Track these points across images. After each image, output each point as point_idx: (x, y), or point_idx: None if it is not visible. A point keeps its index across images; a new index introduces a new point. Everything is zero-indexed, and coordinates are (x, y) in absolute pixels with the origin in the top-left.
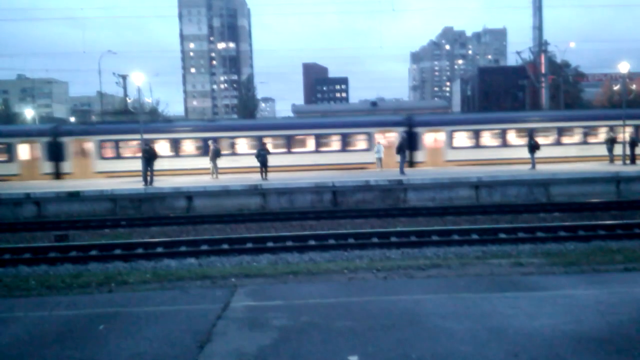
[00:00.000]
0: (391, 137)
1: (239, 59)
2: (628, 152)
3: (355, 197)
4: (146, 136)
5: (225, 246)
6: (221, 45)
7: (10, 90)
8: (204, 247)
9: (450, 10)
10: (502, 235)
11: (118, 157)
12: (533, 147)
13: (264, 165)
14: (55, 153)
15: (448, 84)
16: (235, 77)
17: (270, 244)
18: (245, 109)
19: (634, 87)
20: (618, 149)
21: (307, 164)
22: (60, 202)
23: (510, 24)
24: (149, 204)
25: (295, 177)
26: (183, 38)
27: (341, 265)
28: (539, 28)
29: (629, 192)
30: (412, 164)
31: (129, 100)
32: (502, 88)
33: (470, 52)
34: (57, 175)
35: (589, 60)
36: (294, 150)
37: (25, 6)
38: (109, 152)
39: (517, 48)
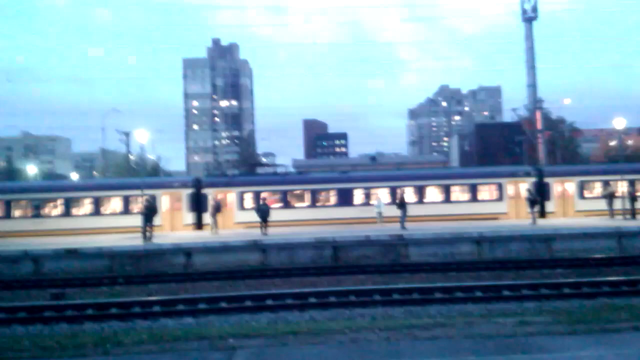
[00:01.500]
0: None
1: (240, 115)
2: (628, 206)
3: (356, 253)
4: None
5: (224, 304)
6: (224, 103)
7: (14, 146)
8: (202, 306)
9: (446, 69)
10: (506, 293)
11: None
12: (533, 201)
13: (264, 220)
14: (197, 204)
15: (445, 139)
16: (236, 133)
17: (269, 302)
18: (246, 163)
19: (629, 142)
20: (617, 204)
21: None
22: (58, 259)
23: (505, 82)
24: (147, 260)
25: (295, 232)
26: (187, 96)
27: (343, 324)
28: (532, 86)
29: (631, 247)
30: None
31: (131, 157)
32: (499, 143)
33: (466, 108)
34: (199, 226)
35: (584, 116)
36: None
37: (29, 66)
38: (249, 202)
39: (512, 105)
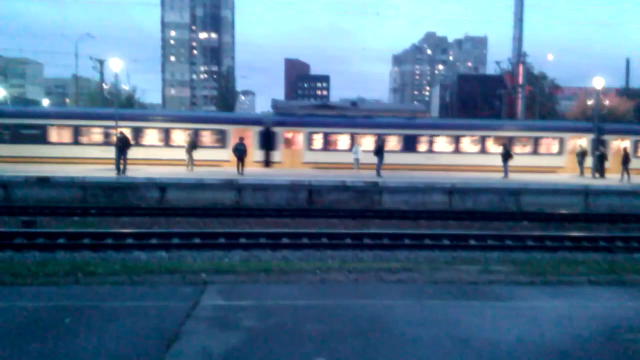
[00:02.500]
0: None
1: (220, 50)
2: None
3: (330, 197)
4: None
5: (197, 240)
6: (203, 35)
7: None
8: (176, 241)
9: (433, 16)
10: (472, 242)
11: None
12: (506, 156)
13: (240, 160)
14: (266, 142)
15: (428, 88)
16: (215, 68)
17: (243, 240)
18: (225, 101)
19: (607, 102)
20: (589, 162)
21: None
22: (30, 186)
23: (492, 33)
24: (121, 193)
25: (271, 174)
26: (164, 26)
27: (314, 265)
28: (518, 39)
29: (597, 205)
30: None
31: (105, 86)
32: (480, 96)
33: (451, 58)
34: (267, 163)
35: (567, 73)
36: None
37: None
38: (318, 143)
39: (497, 57)
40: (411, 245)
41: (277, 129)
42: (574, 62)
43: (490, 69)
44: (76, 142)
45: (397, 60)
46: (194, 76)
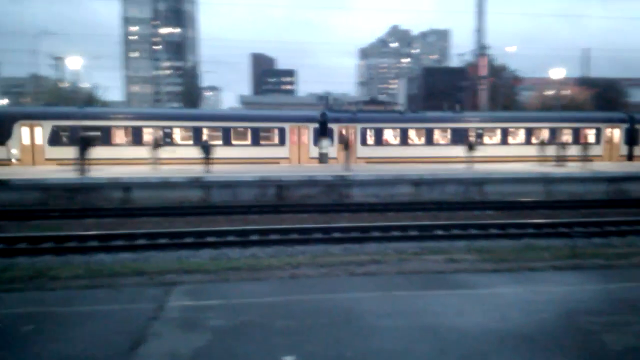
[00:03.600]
0: None
1: (184, 45)
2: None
3: (300, 192)
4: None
5: (164, 240)
6: (165, 30)
7: None
8: (141, 242)
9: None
10: (439, 232)
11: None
12: (470, 146)
13: (207, 157)
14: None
15: (393, 81)
16: (179, 63)
17: (211, 239)
18: (189, 97)
19: (568, 92)
20: (550, 151)
21: None
22: None
23: (456, 26)
24: (84, 194)
25: (239, 170)
26: (125, 21)
27: (284, 261)
28: (479, 31)
29: (557, 192)
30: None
31: (64, 84)
32: (445, 88)
33: (416, 51)
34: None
35: (528, 64)
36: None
37: None
38: (371, 139)
39: (461, 49)
40: (380, 237)
41: (333, 126)
42: (535, 53)
43: (455, 62)
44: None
45: (363, 53)
46: (158, 72)
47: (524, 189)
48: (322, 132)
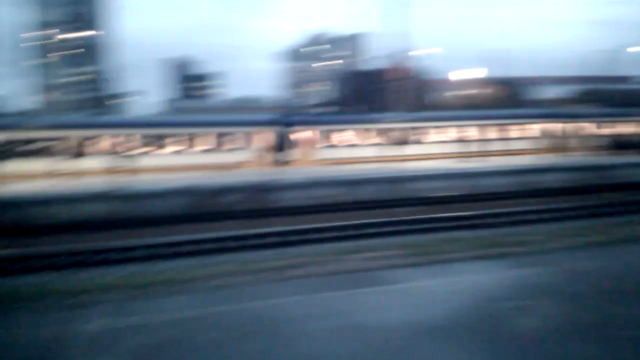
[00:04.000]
0: None
1: (96, 49)
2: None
3: (226, 198)
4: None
5: (81, 258)
6: (77, 34)
7: None
8: (54, 259)
9: (324, 11)
10: (369, 230)
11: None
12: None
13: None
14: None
15: (321, 83)
16: (93, 68)
17: (134, 253)
18: (103, 103)
19: (486, 90)
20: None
21: None
22: None
23: (379, 28)
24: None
25: (160, 178)
26: (34, 26)
27: (212, 270)
28: (401, 33)
29: (477, 186)
30: None
31: None
32: (369, 89)
33: (342, 53)
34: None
35: (449, 64)
36: None
37: None
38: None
39: (384, 52)
40: (310, 239)
41: (295, 129)
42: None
43: (381, 63)
44: None
45: (290, 56)
46: (68, 79)
47: (449, 184)
48: (284, 136)
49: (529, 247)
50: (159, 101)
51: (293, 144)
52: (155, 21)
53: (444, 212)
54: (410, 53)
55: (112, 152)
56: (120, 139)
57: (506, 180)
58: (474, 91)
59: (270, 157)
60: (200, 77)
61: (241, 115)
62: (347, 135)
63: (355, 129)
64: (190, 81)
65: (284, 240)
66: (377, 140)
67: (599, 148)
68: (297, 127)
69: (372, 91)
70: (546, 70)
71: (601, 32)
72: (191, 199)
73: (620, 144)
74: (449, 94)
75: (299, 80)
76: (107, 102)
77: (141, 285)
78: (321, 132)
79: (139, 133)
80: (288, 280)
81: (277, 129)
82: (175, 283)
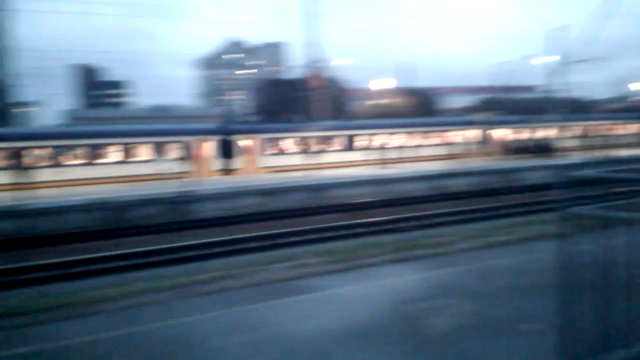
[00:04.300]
0: None
1: None
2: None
3: (139, 212)
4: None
5: None
6: None
7: None
8: None
9: (237, 19)
10: (289, 239)
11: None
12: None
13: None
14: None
15: (236, 92)
16: None
17: (35, 275)
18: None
19: (396, 100)
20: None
21: None
22: None
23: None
24: None
25: (66, 193)
26: None
27: (119, 290)
28: (314, 44)
29: (394, 191)
30: None
31: None
32: (287, 98)
33: (257, 62)
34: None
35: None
36: None
37: None
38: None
39: (300, 61)
40: (225, 252)
41: (235, 138)
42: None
43: (294, 73)
44: None
45: (203, 64)
46: None
47: (365, 190)
48: (225, 145)
49: (443, 249)
50: (63, 110)
51: (236, 152)
52: (60, 27)
53: (363, 218)
54: (326, 63)
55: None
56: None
57: (421, 185)
58: (389, 101)
59: (212, 165)
60: (109, 85)
61: (181, 124)
62: (287, 143)
63: (295, 137)
64: (98, 89)
65: (201, 254)
66: (316, 147)
67: (505, 153)
68: (239, 135)
69: (290, 100)
70: (455, 80)
71: (505, 45)
72: (103, 213)
73: (523, 148)
74: (365, 103)
75: (215, 89)
76: (10, 112)
77: (49, 308)
78: (262, 140)
79: (55, 144)
80: (204, 296)
81: (220, 137)
82: (82, 305)
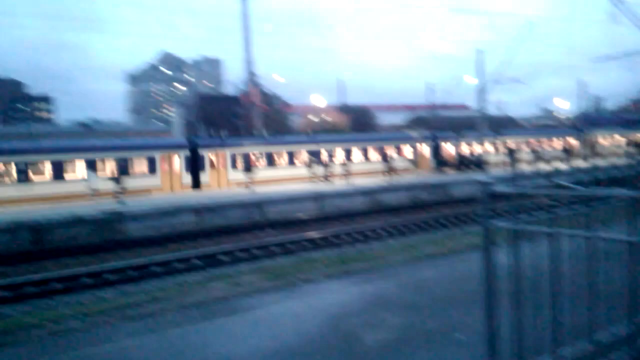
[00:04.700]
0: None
1: None
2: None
3: (65, 233)
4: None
5: None
6: None
7: None
8: None
9: (168, 34)
10: (223, 258)
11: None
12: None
13: None
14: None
15: (168, 107)
16: None
17: None
18: None
19: (329, 118)
20: (319, 170)
21: None
22: None
23: (227, 54)
24: None
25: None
26: None
27: (42, 316)
28: (249, 61)
29: (330, 206)
30: None
31: None
32: (221, 114)
33: (189, 77)
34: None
35: (297, 92)
36: None
37: None
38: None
39: (234, 77)
40: (160, 272)
41: (203, 152)
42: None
43: (229, 89)
44: None
45: (134, 79)
46: None
47: (301, 206)
48: (194, 159)
49: (376, 262)
50: None
51: (205, 166)
52: None
53: (301, 234)
54: (262, 80)
55: None
56: None
57: (356, 200)
58: (324, 117)
59: (180, 180)
60: (27, 100)
61: (147, 139)
62: (256, 157)
63: (263, 151)
64: (16, 104)
65: (131, 276)
66: (282, 161)
67: (438, 167)
68: (207, 149)
69: (224, 116)
70: (392, 98)
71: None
72: (19, 235)
73: (454, 163)
74: (301, 119)
75: (147, 104)
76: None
77: None
78: (231, 153)
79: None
80: (131, 321)
81: (187, 152)
82: (4, 333)
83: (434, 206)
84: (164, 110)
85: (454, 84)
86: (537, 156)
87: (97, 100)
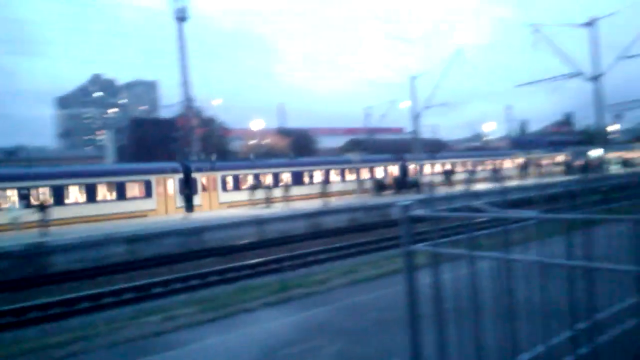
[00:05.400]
0: None
1: None
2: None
3: None
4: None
5: None
6: None
7: None
8: None
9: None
10: (158, 290)
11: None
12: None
13: None
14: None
15: (100, 132)
16: None
17: None
18: None
19: (268, 140)
20: (259, 194)
21: None
22: None
23: (162, 77)
24: None
25: None
26: None
27: None
28: (185, 84)
29: (269, 231)
30: None
31: None
32: (156, 139)
33: (122, 101)
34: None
35: (235, 115)
36: None
37: None
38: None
39: (170, 101)
40: (87, 308)
41: (196, 175)
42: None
43: (164, 113)
44: None
45: (63, 102)
46: None
47: (241, 232)
48: (187, 182)
49: (317, 287)
50: None
51: (197, 189)
52: None
53: (241, 261)
54: (197, 103)
55: None
56: None
57: (297, 223)
58: (264, 141)
59: (174, 203)
60: None
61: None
62: (246, 180)
63: (253, 174)
64: None
65: (57, 313)
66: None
67: (375, 190)
68: (200, 173)
69: (158, 140)
70: (331, 122)
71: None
72: None
73: (390, 185)
74: (240, 143)
75: (78, 128)
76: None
77: None
78: (222, 176)
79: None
80: None
81: (181, 175)
82: None
83: (373, 228)
84: (96, 135)
85: (390, 108)
86: (471, 177)
87: (24, 125)
